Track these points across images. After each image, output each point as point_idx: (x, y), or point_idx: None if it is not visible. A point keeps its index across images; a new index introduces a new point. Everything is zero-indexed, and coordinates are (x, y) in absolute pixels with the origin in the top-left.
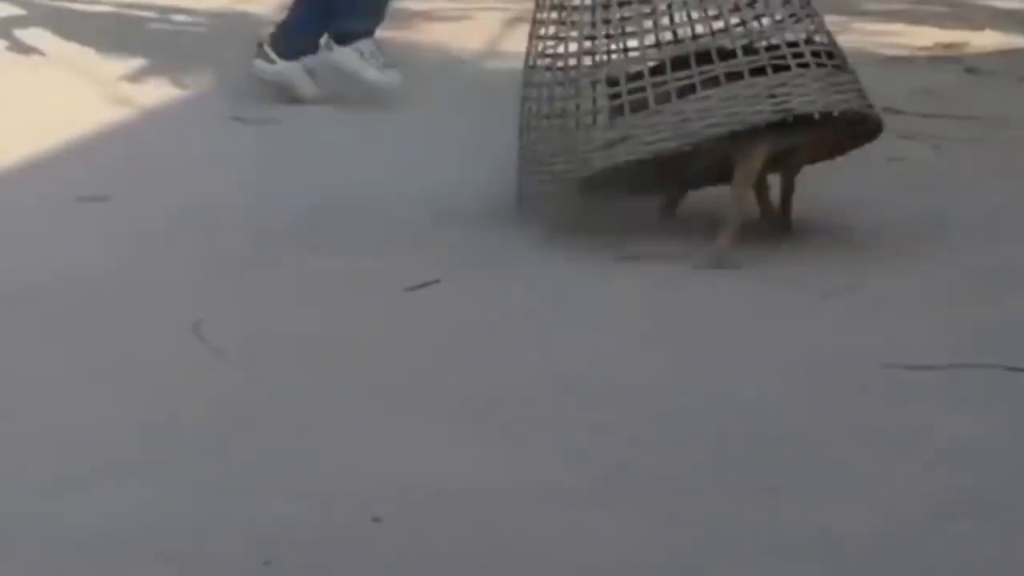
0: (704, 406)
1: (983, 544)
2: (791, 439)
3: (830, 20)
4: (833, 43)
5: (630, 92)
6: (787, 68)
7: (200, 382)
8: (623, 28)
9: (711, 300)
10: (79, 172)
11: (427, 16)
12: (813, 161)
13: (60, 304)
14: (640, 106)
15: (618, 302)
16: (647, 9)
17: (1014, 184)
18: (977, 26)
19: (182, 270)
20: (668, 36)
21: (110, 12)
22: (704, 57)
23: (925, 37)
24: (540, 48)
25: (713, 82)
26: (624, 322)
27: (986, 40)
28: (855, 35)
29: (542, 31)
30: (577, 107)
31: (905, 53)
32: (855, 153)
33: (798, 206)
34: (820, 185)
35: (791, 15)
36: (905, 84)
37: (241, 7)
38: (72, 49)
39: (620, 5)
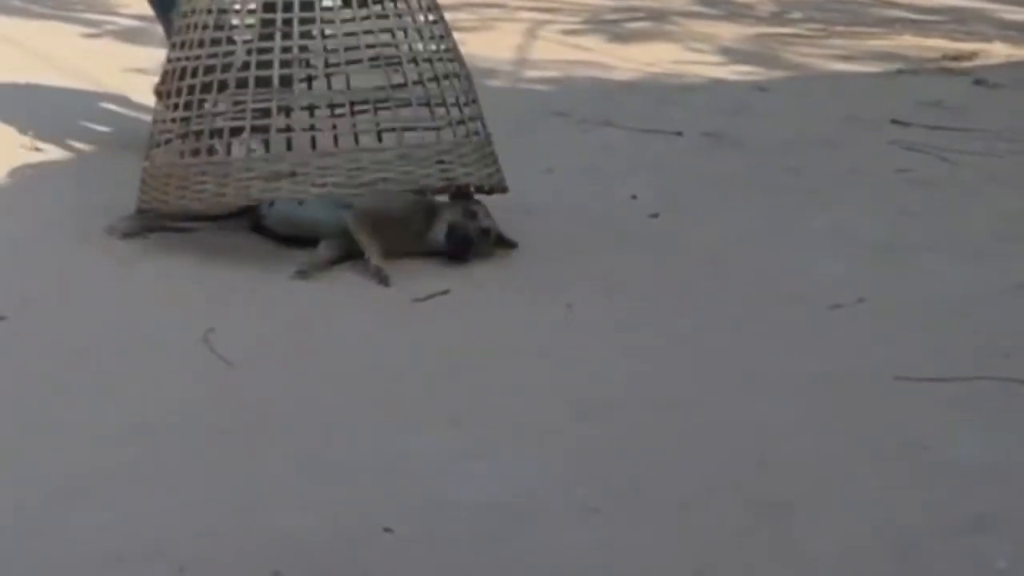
0: (714, 419)
1: (995, 558)
2: (805, 452)
3: (840, 31)
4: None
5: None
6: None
7: (210, 391)
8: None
9: (719, 316)
10: None
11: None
12: None
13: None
14: (315, 143)
15: (626, 316)
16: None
17: (1022, 196)
18: (986, 38)
19: (193, 280)
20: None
21: None
22: (383, 104)
23: (934, 49)
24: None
25: (389, 132)
26: (633, 336)
27: (995, 52)
28: (865, 46)
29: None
30: (231, 131)
31: (914, 65)
32: (864, 165)
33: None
34: (828, 196)
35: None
36: (913, 96)
37: None
38: None
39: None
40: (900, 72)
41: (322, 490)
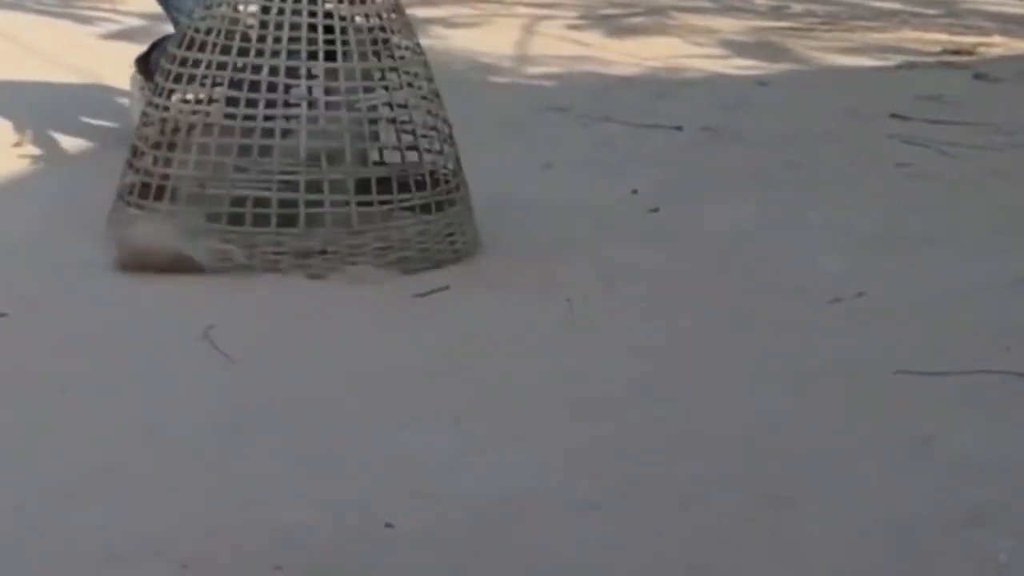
0: (714, 415)
1: (997, 551)
2: (805, 447)
3: (839, 25)
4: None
5: (332, 204)
6: (452, 203)
7: (210, 388)
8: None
9: (719, 311)
10: None
11: (447, 23)
12: None
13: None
14: (342, 221)
15: (626, 311)
16: None
17: (1022, 190)
18: (986, 32)
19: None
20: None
21: None
22: (403, 183)
23: (933, 43)
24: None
25: (410, 210)
26: (633, 331)
27: (994, 46)
28: (864, 40)
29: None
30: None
31: (913, 59)
32: (864, 159)
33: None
34: (828, 190)
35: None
36: (913, 90)
37: None
38: None
39: None
40: (899, 66)
41: (323, 487)
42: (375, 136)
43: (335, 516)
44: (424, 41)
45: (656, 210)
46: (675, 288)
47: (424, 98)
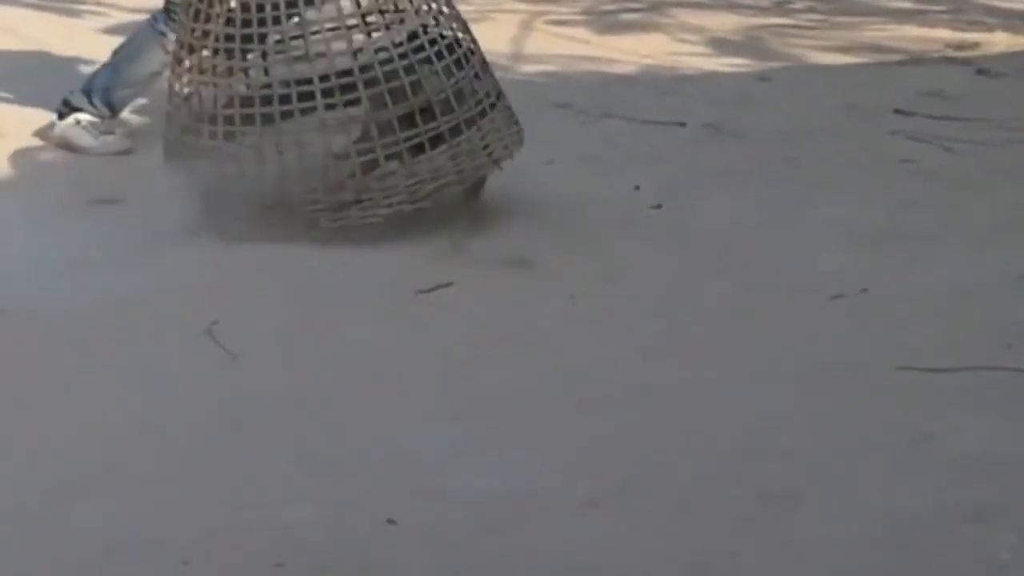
0: (718, 411)
1: (998, 549)
2: (806, 443)
3: (842, 21)
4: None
5: (358, 153)
6: (484, 113)
7: (213, 385)
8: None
9: (721, 307)
10: None
11: None
12: None
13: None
14: (371, 166)
15: (628, 308)
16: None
17: None
18: (988, 28)
19: (196, 273)
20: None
21: None
22: (426, 112)
23: (936, 39)
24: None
25: (438, 139)
26: (635, 328)
27: (997, 42)
28: (866, 36)
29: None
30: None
31: (916, 55)
32: (866, 155)
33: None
34: (830, 186)
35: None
36: (916, 86)
37: None
38: None
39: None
40: (902, 62)
41: (324, 484)
42: (390, 76)
43: (336, 514)
44: None
45: (659, 207)
46: (677, 285)
47: (436, 22)
